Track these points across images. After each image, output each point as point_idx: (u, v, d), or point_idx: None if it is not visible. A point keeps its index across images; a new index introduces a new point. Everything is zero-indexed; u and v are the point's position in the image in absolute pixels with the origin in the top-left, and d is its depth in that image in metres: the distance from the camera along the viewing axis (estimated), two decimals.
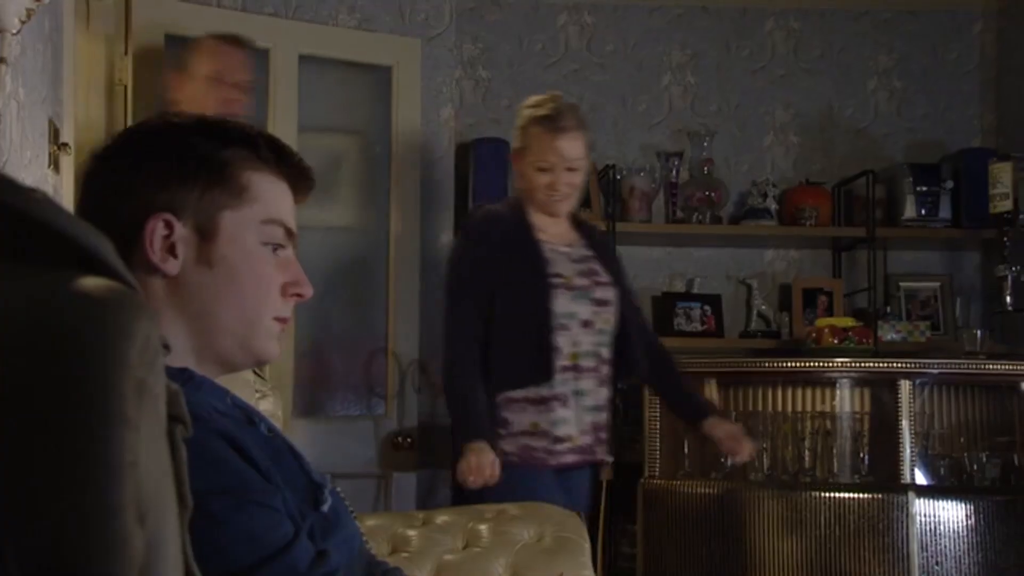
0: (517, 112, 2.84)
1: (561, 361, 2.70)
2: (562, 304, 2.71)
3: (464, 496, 2.61)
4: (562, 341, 2.70)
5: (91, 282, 0.74)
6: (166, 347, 0.81)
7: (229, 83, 2.84)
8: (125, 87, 3.16)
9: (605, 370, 2.77)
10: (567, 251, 2.80)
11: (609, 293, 2.79)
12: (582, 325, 2.73)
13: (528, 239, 2.76)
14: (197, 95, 2.78)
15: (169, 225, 1.14)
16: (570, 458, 2.73)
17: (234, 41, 2.92)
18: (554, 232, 2.80)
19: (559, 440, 2.71)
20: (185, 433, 0.84)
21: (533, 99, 2.82)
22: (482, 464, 2.59)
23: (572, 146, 2.75)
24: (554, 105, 2.77)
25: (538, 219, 2.80)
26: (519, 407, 2.71)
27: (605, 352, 2.77)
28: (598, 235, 2.99)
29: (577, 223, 2.89)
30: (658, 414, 3.36)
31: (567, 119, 2.76)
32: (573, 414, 2.72)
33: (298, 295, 1.22)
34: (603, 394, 2.76)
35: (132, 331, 0.73)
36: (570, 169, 2.76)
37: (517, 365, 2.69)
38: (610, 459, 2.86)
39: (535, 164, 2.75)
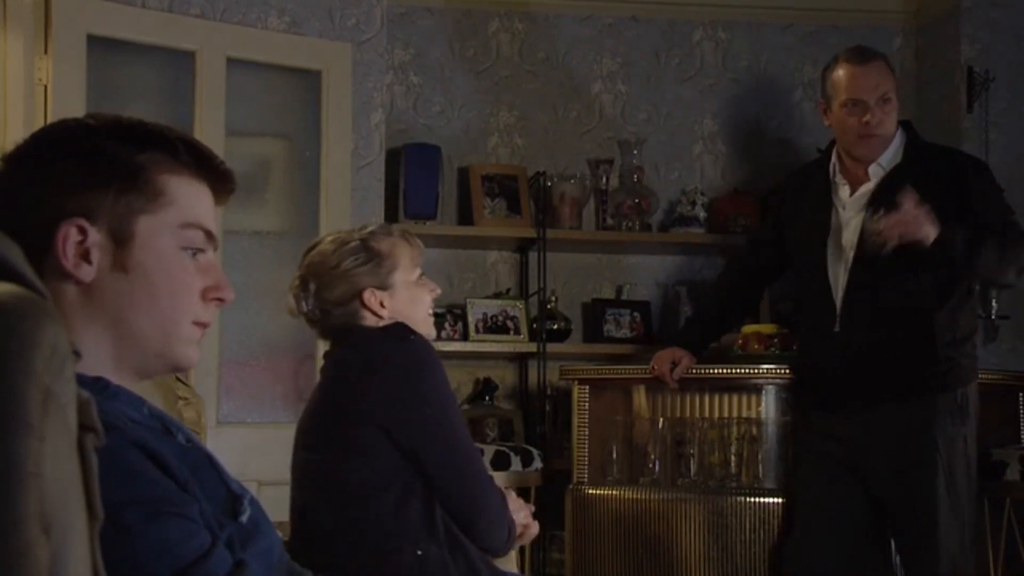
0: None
1: None
2: None
3: None
4: None
5: None
6: (77, 354, 0.79)
7: (862, 103, 2.87)
8: (45, 87, 3.10)
9: None
10: None
11: None
12: None
13: None
14: (837, 120, 2.93)
15: (82, 231, 1.12)
16: None
17: (856, 58, 2.94)
18: None
19: None
20: (96, 443, 0.82)
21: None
22: None
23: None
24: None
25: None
26: None
27: None
28: None
29: None
30: (587, 420, 3.37)
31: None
32: None
33: (219, 299, 1.21)
34: None
35: (38, 339, 0.71)
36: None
37: None
38: None
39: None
